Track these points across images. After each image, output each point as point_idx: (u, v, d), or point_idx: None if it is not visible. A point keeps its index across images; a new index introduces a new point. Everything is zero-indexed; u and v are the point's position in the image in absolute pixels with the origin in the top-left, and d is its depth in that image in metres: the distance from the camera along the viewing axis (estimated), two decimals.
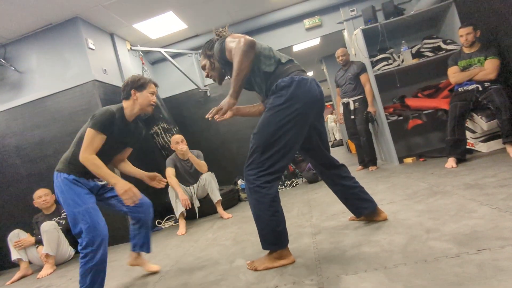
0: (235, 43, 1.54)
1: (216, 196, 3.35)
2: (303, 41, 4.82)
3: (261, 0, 4.20)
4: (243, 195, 4.12)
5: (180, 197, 3.20)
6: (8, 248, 3.07)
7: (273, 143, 1.57)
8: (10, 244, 3.05)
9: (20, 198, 3.55)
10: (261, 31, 4.73)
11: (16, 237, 3.09)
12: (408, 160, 3.76)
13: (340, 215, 2.27)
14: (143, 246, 2.04)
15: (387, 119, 3.83)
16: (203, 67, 1.90)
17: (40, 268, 3.03)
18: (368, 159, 3.95)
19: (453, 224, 1.58)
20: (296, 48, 6.04)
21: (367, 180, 3.31)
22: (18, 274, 2.96)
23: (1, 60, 3.55)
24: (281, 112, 1.58)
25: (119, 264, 2.54)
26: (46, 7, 3.21)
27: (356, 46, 4.09)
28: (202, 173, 3.48)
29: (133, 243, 2.03)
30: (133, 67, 4.40)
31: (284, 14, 4.54)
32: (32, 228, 3.24)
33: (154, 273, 2.06)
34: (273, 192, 1.58)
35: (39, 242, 3.07)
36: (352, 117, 3.96)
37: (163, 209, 4.00)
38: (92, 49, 3.61)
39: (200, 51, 1.92)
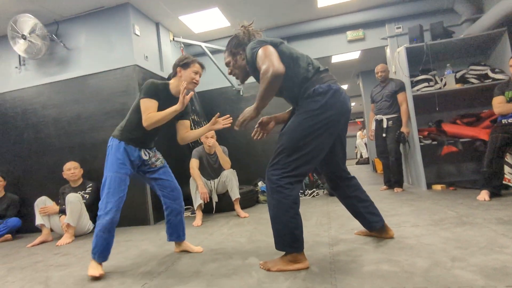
0: (264, 67, 1.52)
1: (235, 194, 3.35)
2: (343, 52, 4.77)
3: (308, 6, 4.20)
4: (261, 198, 4.11)
5: (199, 190, 3.23)
6: (33, 213, 3.21)
7: (301, 147, 1.57)
8: (36, 210, 3.19)
9: (51, 168, 3.72)
10: (302, 37, 4.72)
11: (43, 203, 3.23)
12: (437, 187, 3.61)
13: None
14: (173, 234, 2.15)
15: (420, 142, 3.70)
16: (227, 64, 1.90)
17: (60, 236, 3.15)
18: (394, 179, 3.82)
19: (481, 256, 1.50)
20: (335, 59, 6.00)
21: (390, 201, 3.21)
22: (39, 239, 3.09)
23: (53, 35, 3.75)
24: (314, 117, 1.58)
25: (134, 244, 2.59)
26: None
27: (397, 64, 4.00)
28: (224, 170, 3.51)
29: (169, 232, 2.16)
30: (173, 57, 4.52)
31: (328, 23, 4.52)
32: (57, 198, 3.37)
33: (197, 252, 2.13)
34: (295, 194, 1.58)
35: (62, 212, 3.19)
36: (384, 135, 3.86)
37: None
38: (138, 35, 3.74)
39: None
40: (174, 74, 2.05)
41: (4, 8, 3.44)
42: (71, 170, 3.36)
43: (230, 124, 2.08)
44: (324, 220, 2.68)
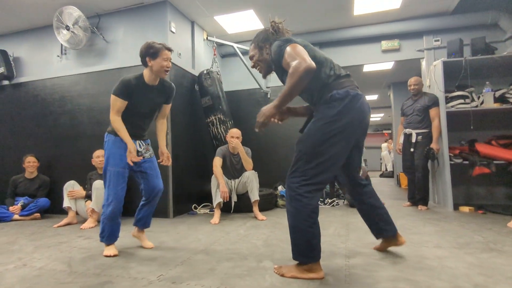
0: (295, 62, 1.49)
1: (254, 196, 3.36)
2: (376, 62, 4.67)
3: (344, 14, 4.15)
4: (280, 202, 4.09)
5: (220, 188, 3.27)
6: (62, 195, 3.37)
7: (319, 153, 1.56)
8: (64, 192, 3.35)
9: (81, 154, 3.88)
10: (334, 44, 4.67)
11: (71, 187, 3.38)
12: (465, 208, 3.46)
13: None
14: (140, 221, 2.29)
15: (450, 160, 3.55)
16: (251, 57, 1.89)
17: (84, 220, 3.29)
18: (419, 196, 3.69)
19: (507, 287, 1.42)
20: (367, 68, 5.89)
21: (413, 218, 3.10)
22: (65, 221, 3.24)
23: (94, 28, 3.93)
24: (331, 124, 1.57)
25: (153, 235, 2.65)
26: None
27: (432, 78, 3.86)
28: (246, 170, 3.53)
29: (136, 218, 2.29)
30: (205, 56, 4.61)
31: (363, 31, 4.44)
32: (85, 183, 3.52)
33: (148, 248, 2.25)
34: (314, 203, 1.56)
35: (88, 197, 3.33)
36: (412, 149, 3.74)
37: (201, 196, 4.13)
38: (173, 33, 3.84)
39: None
40: (144, 64, 2.09)
41: None
42: (100, 157, 3.49)
43: (167, 164, 2.29)
44: (342, 231, 2.63)
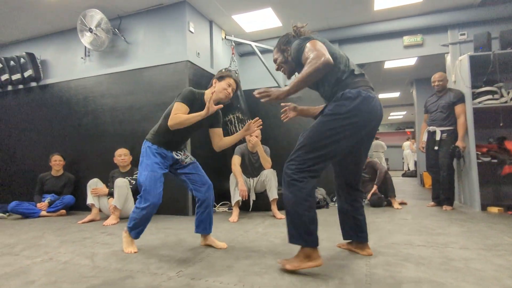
0: (314, 54, 1.55)
1: (273, 194, 3.35)
2: (398, 58, 4.55)
3: (364, 9, 4.06)
4: None
5: (239, 187, 3.28)
6: (86, 192, 3.48)
7: (321, 147, 1.61)
8: (88, 190, 3.45)
9: (104, 153, 3.99)
10: (355, 40, 4.58)
11: (94, 185, 3.48)
12: (493, 209, 3.31)
13: (402, 246, 2.09)
14: (200, 226, 2.22)
15: (478, 158, 3.41)
16: (275, 60, 1.94)
17: (106, 217, 3.38)
18: (444, 196, 3.56)
19: None
20: (388, 65, 5.75)
21: (438, 218, 2.99)
22: (88, 217, 3.34)
23: (116, 30, 4.02)
24: (338, 121, 1.60)
25: (173, 232, 2.69)
26: None
27: (458, 73, 3.72)
28: (264, 169, 3.52)
29: (196, 224, 2.23)
30: (223, 55, 4.63)
31: (384, 27, 4.33)
32: (107, 181, 3.62)
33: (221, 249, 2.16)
34: (309, 187, 1.60)
35: (111, 194, 3.42)
36: (436, 148, 3.61)
37: (219, 194, 4.15)
38: (192, 32, 3.88)
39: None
40: (210, 84, 2.22)
41: (76, 3, 3.76)
42: (122, 156, 3.58)
43: (261, 127, 2.16)
44: None
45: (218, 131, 2.24)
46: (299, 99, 4.65)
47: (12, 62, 4.51)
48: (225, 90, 2.13)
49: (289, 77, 1.96)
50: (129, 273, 1.70)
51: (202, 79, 4.00)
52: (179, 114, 1.97)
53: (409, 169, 9.69)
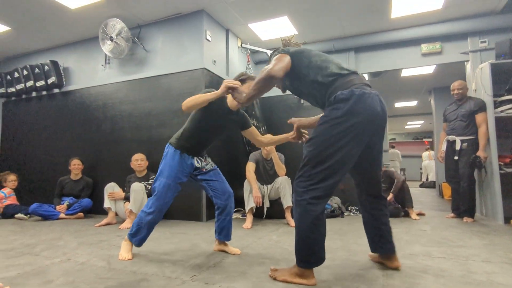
0: (267, 66, 1.61)
1: (287, 202, 3.32)
2: (415, 66, 4.47)
3: (380, 17, 4.04)
4: None
5: (254, 193, 3.27)
6: (103, 196, 3.54)
7: (326, 157, 1.52)
8: (105, 194, 3.52)
9: (121, 158, 4.07)
10: (371, 48, 4.54)
11: (111, 189, 3.55)
12: None
13: (420, 257, 2.03)
14: (222, 233, 2.19)
15: (500, 169, 3.29)
16: None
17: (122, 220, 3.43)
18: (464, 208, 3.44)
19: None
20: (405, 73, 5.66)
21: (458, 230, 2.90)
22: (105, 220, 3.40)
23: (135, 38, 4.14)
24: (337, 126, 1.51)
25: (187, 237, 2.70)
26: None
27: (479, 82, 3.63)
28: (278, 176, 3.50)
29: (218, 230, 2.21)
30: (238, 63, 4.68)
31: (401, 35, 4.28)
32: (124, 185, 3.68)
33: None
34: (319, 210, 1.52)
35: (127, 199, 3.47)
36: (456, 157, 3.51)
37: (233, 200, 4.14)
38: (209, 41, 3.95)
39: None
40: None
41: (98, 13, 3.90)
42: (138, 161, 3.65)
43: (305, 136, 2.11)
44: None
45: (251, 130, 2.22)
46: (301, 106, 4.65)
47: (37, 70, 4.69)
48: None
49: (283, 91, 1.94)
50: (144, 276, 1.71)
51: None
52: (190, 99, 1.94)
53: (427, 180, 9.44)
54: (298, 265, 1.56)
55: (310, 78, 1.65)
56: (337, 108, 1.52)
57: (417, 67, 4.55)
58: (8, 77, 4.94)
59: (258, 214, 3.50)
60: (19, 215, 3.85)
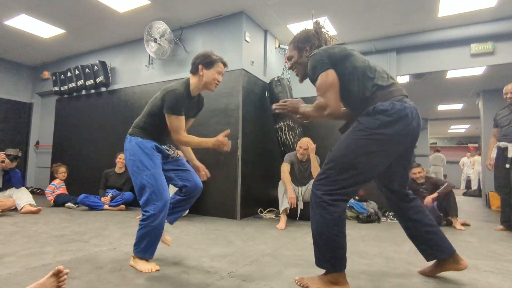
0: (323, 101, 1.53)
1: None
2: (463, 67, 4.23)
3: (426, 16, 3.86)
4: (348, 213, 3.93)
5: (288, 194, 3.27)
6: None
7: (354, 166, 1.48)
8: None
9: None
10: (414, 49, 4.36)
11: None
12: None
13: (465, 270, 1.91)
14: (172, 215, 1.99)
15: None
16: (289, 58, 1.80)
17: None
18: None
19: None
20: (451, 75, 5.37)
21: (508, 244, 2.71)
22: None
23: (177, 40, 4.30)
24: (372, 137, 1.47)
25: (222, 234, 2.77)
26: (221, 1, 3.71)
27: None
28: (313, 178, 3.47)
29: (171, 211, 1.95)
30: (276, 63, 4.70)
31: (448, 34, 4.06)
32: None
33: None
34: (340, 211, 1.49)
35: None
36: (507, 166, 3.27)
37: (267, 200, 4.17)
38: (247, 42, 4.00)
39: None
40: (194, 71, 1.89)
41: (144, 16, 4.09)
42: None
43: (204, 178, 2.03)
44: None
45: (191, 121, 2.07)
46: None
47: (87, 69, 5.03)
48: (215, 80, 1.87)
49: (301, 81, 1.82)
50: (184, 268, 1.78)
51: (255, 87, 4.09)
52: (189, 138, 1.84)
53: (470, 188, 8.87)
54: (326, 268, 1.52)
55: (353, 85, 1.56)
56: (376, 119, 1.48)
57: (465, 68, 4.30)
58: (62, 76, 5.35)
59: (291, 215, 3.50)
60: (68, 204, 4.15)
